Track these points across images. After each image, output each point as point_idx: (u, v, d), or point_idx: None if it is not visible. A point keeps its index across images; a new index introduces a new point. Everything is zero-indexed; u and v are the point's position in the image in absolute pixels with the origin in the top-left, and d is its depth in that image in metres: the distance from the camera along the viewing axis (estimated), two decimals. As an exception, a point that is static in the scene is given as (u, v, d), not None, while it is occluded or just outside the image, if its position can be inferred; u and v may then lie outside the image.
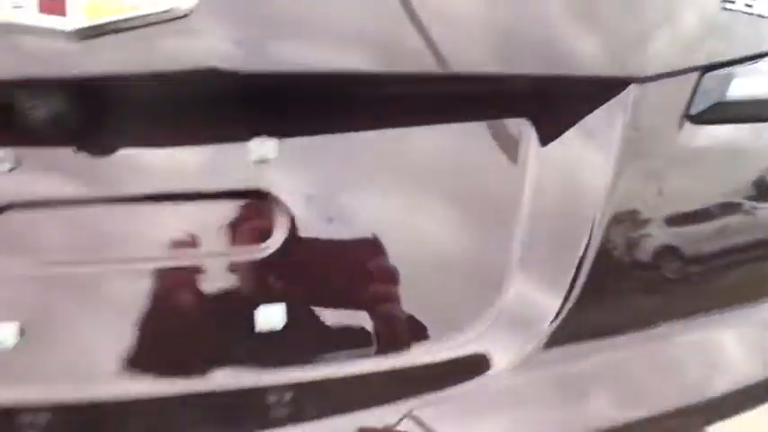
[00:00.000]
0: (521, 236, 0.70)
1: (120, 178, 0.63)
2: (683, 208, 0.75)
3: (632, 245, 0.72)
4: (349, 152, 0.68)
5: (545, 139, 0.72)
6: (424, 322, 0.68)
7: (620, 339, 0.72)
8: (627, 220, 0.72)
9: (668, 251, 0.74)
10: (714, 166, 0.77)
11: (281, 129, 0.65)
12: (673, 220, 0.74)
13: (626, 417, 0.69)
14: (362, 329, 0.66)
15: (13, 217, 0.63)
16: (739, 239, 0.79)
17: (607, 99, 0.72)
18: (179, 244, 0.64)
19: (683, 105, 0.73)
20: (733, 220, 0.78)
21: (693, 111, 0.74)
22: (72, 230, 0.64)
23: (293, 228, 0.65)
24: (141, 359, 0.62)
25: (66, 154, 0.64)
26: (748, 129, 0.78)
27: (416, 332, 0.68)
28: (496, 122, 0.72)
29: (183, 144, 0.65)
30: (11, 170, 0.62)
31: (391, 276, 0.68)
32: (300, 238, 0.65)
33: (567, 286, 0.69)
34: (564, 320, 0.68)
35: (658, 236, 0.73)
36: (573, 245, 0.70)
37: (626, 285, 0.73)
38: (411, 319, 0.68)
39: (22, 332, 0.61)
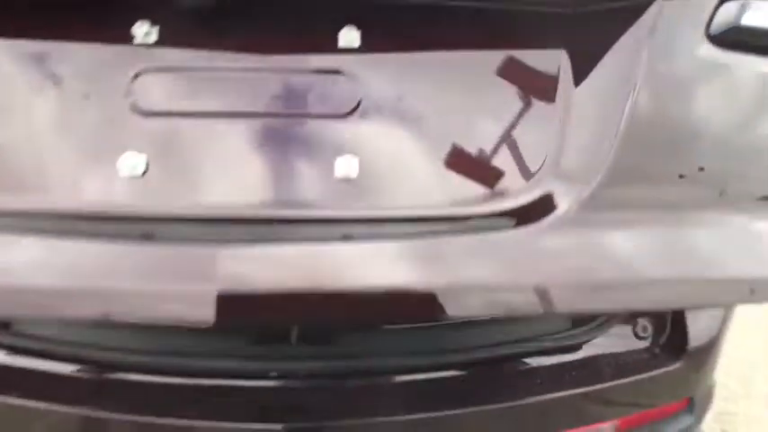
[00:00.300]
0: (571, 116, 0.87)
1: (237, 53, 0.83)
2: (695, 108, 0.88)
3: (656, 130, 0.87)
4: (420, 51, 0.87)
5: (581, 68, 0.87)
6: (494, 178, 0.86)
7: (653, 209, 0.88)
8: (651, 115, 0.86)
9: (685, 138, 0.88)
10: (725, 86, 0.89)
11: (366, 23, 0.84)
12: (687, 116, 0.88)
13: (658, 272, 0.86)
14: (426, 184, 0.85)
15: (151, 78, 0.83)
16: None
17: (636, 18, 0.86)
18: (278, 105, 0.83)
19: (703, 25, 0.87)
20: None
21: (713, 32, 0.86)
22: (194, 90, 0.84)
23: (369, 100, 0.84)
24: (241, 190, 0.82)
25: (197, 30, 0.85)
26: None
27: (488, 184, 0.86)
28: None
29: (290, 30, 0.85)
30: (155, 43, 0.82)
31: (453, 141, 0.85)
32: (374, 109, 0.83)
33: (606, 153, 0.84)
34: (604, 180, 0.85)
35: (677, 124, 0.88)
36: (611, 122, 0.85)
37: (652, 160, 0.88)
38: (478, 174, 0.86)
39: (148, 164, 0.81)
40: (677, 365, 1.19)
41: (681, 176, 0.87)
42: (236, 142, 0.83)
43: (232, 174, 0.82)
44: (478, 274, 0.81)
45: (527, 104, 0.88)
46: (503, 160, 0.87)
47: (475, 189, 0.85)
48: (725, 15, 0.87)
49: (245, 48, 0.84)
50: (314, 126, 0.83)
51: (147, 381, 1.04)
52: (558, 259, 0.83)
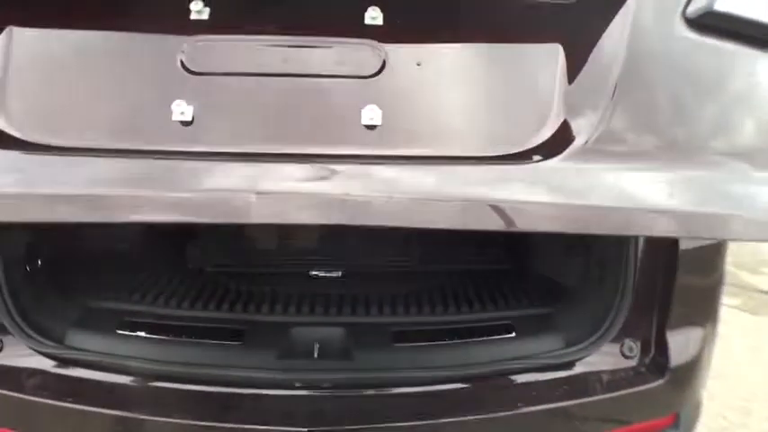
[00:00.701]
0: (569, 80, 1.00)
1: (277, 30, 1.00)
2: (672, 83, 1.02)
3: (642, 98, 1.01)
4: (433, 27, 1.03)
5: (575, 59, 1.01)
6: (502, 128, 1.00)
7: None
8: (636, 84, 1.00)
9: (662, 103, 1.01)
10: (698, 67, 1.02)
11: (387, 5, 1.01)
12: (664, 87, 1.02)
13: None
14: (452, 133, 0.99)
15: (203, 44, 0.98)
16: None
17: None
18: (313, 68, 0.98)
19: (680, 8, 1.00)
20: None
21: (689, 15, 1.00)
22: (238, 57, 0.99)
23: (391, 64, 0.98)
24: (282, 135, 0.96)
25: (243, 9, 1.02)
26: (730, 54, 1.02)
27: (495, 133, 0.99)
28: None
29: (324, 10, 1.02)
30: (207, 18, 0.99)
31: (465, 97, 1.00)
32: (395, 70, 0.98)
33: (603, 106, 0.98)
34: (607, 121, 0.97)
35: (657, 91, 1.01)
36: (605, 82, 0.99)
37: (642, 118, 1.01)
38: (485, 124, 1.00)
39: (195, 114, 0.95)
40: (662, 383, 1.31)
41: (661, 127, 1.00)
42: (273, 97, 0.98)
43: (269, 121, 0.98)
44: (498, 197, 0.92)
45: (534, 60, 1.02)
46: (519, 109, 1.00)
47: (494, 132, 0.99)
48: (700, 0, 0.99)
49: (283, 26, 1.00)
50: (344, 84, 0.98)
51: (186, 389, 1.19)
52: (577, 185, 0.94)
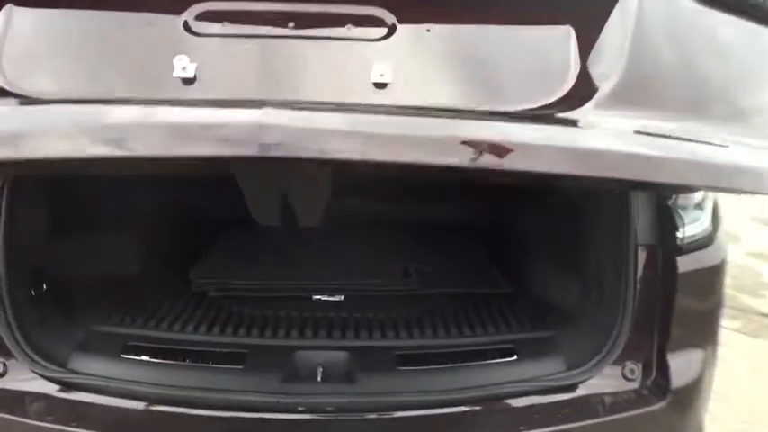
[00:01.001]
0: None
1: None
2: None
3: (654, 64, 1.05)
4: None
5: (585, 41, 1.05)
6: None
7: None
8: (644, 53, 1.03)
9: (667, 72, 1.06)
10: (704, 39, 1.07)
11: None
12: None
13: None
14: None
15: (210, 8, 1.02)
16: None
17: None
18: (323, 32, 1.02)
19: None
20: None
21: None
22: (246, 23, 1.03)
23: (401, 30, 1.02)
24: (288, 89, 1.00)
25: None
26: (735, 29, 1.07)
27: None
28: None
29: None
30: None
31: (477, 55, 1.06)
32: (404, 38, 1.02)
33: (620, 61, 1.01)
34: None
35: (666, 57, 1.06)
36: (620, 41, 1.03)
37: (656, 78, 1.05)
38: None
39: (196, 72, 0.98)
40: (664, 405, 1.32)
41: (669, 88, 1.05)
42: (280, 57, 1.02)
43: (273, 78, 1.02)
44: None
45: (544, 34, 1.06)
46: (526, 73, 1.05)
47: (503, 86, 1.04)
48: None
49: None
50: (357, 45, 1.02)
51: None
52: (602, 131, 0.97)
